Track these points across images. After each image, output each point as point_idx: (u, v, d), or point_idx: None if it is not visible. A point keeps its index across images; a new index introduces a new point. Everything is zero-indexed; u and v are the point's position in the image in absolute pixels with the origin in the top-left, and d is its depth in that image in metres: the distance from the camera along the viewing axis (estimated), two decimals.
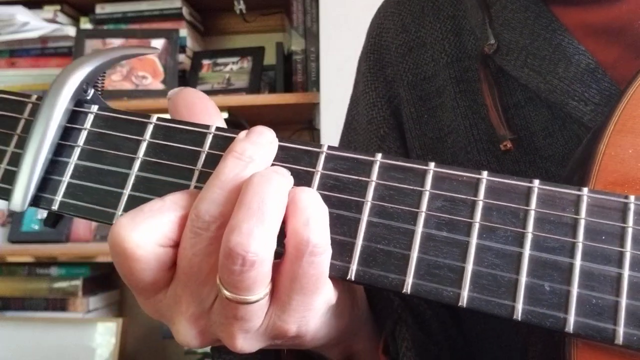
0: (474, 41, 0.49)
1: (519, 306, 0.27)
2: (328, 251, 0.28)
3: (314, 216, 0.28)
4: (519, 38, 0.44)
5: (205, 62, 1.67)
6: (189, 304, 0.30)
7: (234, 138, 0.31)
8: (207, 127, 0.33)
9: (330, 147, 0.31)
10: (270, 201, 0.27)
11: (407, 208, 0.29)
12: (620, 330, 0.26)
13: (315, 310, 0.29)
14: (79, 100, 0.34)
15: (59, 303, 1.64)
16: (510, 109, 0.45)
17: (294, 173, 0.31)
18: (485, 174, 0.29)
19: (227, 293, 0.28)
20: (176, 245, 0.30)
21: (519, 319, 0.27)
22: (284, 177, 0.29)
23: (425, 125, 0.51)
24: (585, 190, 0.28)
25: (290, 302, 0.29)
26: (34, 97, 0.35)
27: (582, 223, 0.28)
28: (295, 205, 0.28)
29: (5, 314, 1.68)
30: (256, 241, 0.27)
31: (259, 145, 0.30)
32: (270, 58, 1.65)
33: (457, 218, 0.29)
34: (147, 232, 0.29)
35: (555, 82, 0.42)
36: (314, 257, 0.28)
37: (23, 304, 1.68)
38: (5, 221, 1.68)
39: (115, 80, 1.61)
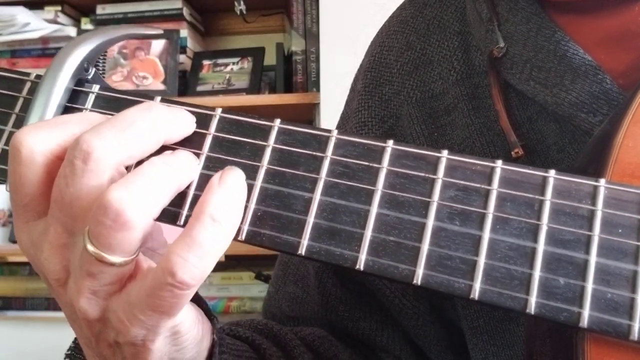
0: (480, 57, 0.48)
1: (532, 300, 0.27)
2: (194, 288, 0.27)
3: (197, 254, 0.27)
4: (523, 51, 0.43)
5: (206, 62, 1.67)
6: (59, 234, 0.29)
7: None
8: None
9: (340, 132, 0.30)
10: (172, 184, 0.29)
11: (418, 197, 0.29)
12: (636, 325, 0.26)
13: (159, 328, 0.29)
14: (80, 79, 0.33)
15: None
16: (525, 124, 0.44)
17: (301, 158, 0.30)
18: (499, 162, 0.28)
19: (90, 246, 0.27)
20: None
21: (532, 312, 0.26)
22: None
23: (435, 143, 0.50)
24: (602, 181, 0.27)
25: (139, 306, 0.28)
26: (33, 75, 0.34)
27: (599, 215, 0.27)
28: (187, 232, 0.27)
29: (7, 313, 1.69)
30: (138, 205, 0.27)
31: (178, 109, 0.31)
32: (270, 58, 1.65)
33: (470, 208, 0.28)
34: (44, 139, 0.29)
35: (563, 94, 0.41)
36: (175, 289, 0.27)
37: (24, 303, 1.69)
38: (6, 221, 1.68)
39: (116, 80, 1.61)
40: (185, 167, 0.30)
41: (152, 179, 0.28)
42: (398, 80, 0.52)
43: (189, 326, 0.31)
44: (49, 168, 0.29)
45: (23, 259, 1.69)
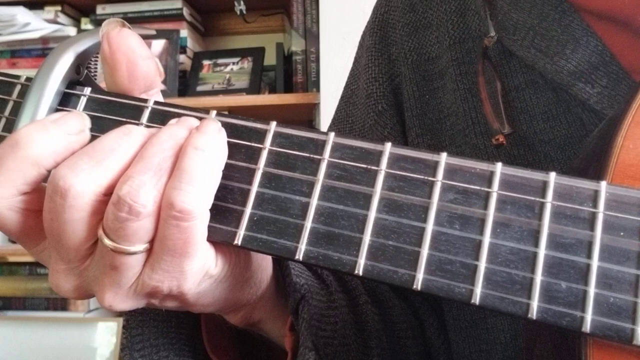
0: (478, 21, 0.48)
1: (534, 304, 0.26)
2: (199, 218, 0.28)
3: (189, 182, 0.28)
4: (527, 18, 0.44)
5: (206, 62, 1.67)
6: (57, 261, 0.30)
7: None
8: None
9: (336, 135, 0.30)
10: (171, 161, 0.29)
11: (417, 200, 0.28)
12: (639, 330, 0.25)
13: (186, 273, 0.29)
14: (71, 81, 0.33)
15: (59, 303, 1.65)
16: (511, 92, 0.45)
17: (298, 161, 0.30)
18: (499, 165, 0.28)
19: (108, 242, 0.28)
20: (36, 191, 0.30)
21: (534, 317, 0.26)
22: (197, 141, 0.29)
23: (426, 105, 0.51)
24: (603, 184, 0.27)
25: (159, 261, 0.29)
26: (23, 77, 0.33)
27: (600, 218, 0.27)
28: (177, 166, 0.28)
29: (7, 313, 1.70)
30: (146, 194, 0.27)
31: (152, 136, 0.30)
32: (270, 58, 1.65)
33: (470, 211, 0.28)
34: (5, 183, 0.29)
35: (562, 63, 0.41)
36: (179, 221, 0.28)
37: (24, 303, 1.69)
38: None
39: None
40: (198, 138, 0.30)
41: (160, 161, 0.28)
42: (400, 41, 0.53)
43: (222, 267, 0.32)
44: (17, 208, 0.30)
45: (23, 259, 1.69)
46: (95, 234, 0.29)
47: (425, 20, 0.52)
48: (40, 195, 0.29)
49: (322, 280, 0.43)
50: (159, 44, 1.62)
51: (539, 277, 0.26)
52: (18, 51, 1.70)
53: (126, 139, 0.30)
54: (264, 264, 0.36)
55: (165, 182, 0.28)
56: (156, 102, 0.32)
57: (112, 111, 0.32)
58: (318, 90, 1.45)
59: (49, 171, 0.29)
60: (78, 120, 0.31)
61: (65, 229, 0.28)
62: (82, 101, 0.33)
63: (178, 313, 0.39)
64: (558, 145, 0.42)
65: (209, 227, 0.30)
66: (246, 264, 0.34)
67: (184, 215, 0.28)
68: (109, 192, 0.29)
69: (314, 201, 0.29)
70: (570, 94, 0.41)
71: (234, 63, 1.66)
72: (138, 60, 0.32)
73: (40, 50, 1.69)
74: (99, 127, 0.32)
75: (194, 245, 0.29)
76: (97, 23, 1.69)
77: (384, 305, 0.48)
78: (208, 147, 0.29)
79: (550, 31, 0.42)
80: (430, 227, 0.28)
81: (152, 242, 0.29)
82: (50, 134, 0.29)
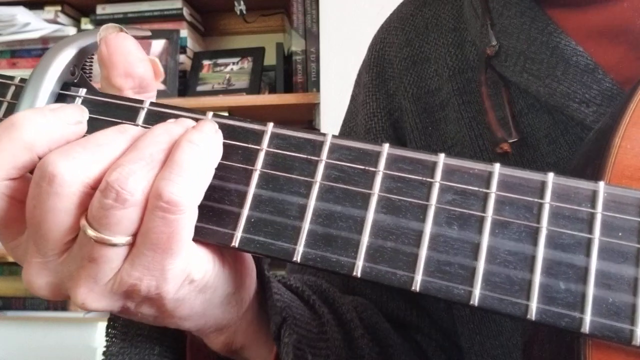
0: (475, 52, 0.49)
1: (533, 305, 0.26)
2: (187, 213, 0.28)
3: (180, 173, 0.28)
4: (516, 44, 0.44)
5: (206, 62, 1.67)
6: (33, 254, 0.30)
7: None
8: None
9: (334, 136, 0.30)
10: (164, 154, 0.28)
11: (415, 201, 0.28)
12: (638, 330, 0.25)
13: (167, 273, 0.29)
14: (66, 82, 0.33)
15: (59, 302, 1.65)
16: (515, 117, 0.45)
17: (296, 162, 0.30)
18: (497, 166, 0.28)
19: (90, 232, 0.27)
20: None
21: (533, 318, 0.26)
22: (196, 137, 0.29)
23: (429, 137, 0.51)
24: (601, 184, 0.27)
25: (140, 256, 0.28)
26: (18, 78, 0.33)
27: (599, 218, 0.27)
28: (169, 157, 0.28)
29: (7, 313, 1.70)
30: (135, 182, 0.27)
31: (156, 127, 0.30)
32: (270, 58, 1.65)
33: (469, 212, 0.28)
34: (5, 164, 0.28)
35: (555, 85, 0.41)
36: (166, 213, 0.27)
37: (24, 303, 1.69)
38: None
39: None
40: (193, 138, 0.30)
41: (153, 152, 0.28)
42: (398, 76, 0.54)
43: (204, 275, 0.31)
44: (4, 192, 0.29)
45: None
46: (77, 227, 0.28)
47: (422, 55, 0.53)
48: (26, 185, 0.29)
49: (315, 311, 0.42)
50: (159, 44, 1.63)
51: (537, 278, 0.26)
52: (18, 51, 1.71)
53: (121, 135, 0.29)
54: (247, 283, 0.35)
55: (156, 174, 0.28)
56: (152, 103, 0.32)
57: (108, 112, 0.32)
58: (318, 90, 1.45)
59: (41, 159, 0.29)
60: (76, 111, 0.31)
61: (47, 217, 0.28)
62: (77, 102, 0.33)
63: (162, 340, 0.38)
64: (563, 167, 0.42)
65: (206, 229, 0.30)
66: (229, 277, 0.33)
67: (170, 206, 0.27)
68: (96, 185, 0.28)
69: (312, 202, 0.29)
70: (566, 115, 0.41)
71: (234, 63, 1.66)
72: (135, 61, 0.32)
73: (40, 50, 1.70)
74: (94, 129, 0.31)
75: (177, 242, 0.28)
76: (97, 23, 1.70)
77: (384, 343, 0.48)
78: (202, 143, 0.29)
79: (539, 54, 0.43)
80: (428, 228, 0.28)
81: (135, 236, 0.28)
82: (47, 119, 0.29)
